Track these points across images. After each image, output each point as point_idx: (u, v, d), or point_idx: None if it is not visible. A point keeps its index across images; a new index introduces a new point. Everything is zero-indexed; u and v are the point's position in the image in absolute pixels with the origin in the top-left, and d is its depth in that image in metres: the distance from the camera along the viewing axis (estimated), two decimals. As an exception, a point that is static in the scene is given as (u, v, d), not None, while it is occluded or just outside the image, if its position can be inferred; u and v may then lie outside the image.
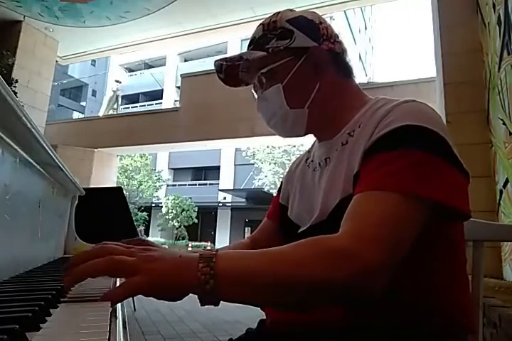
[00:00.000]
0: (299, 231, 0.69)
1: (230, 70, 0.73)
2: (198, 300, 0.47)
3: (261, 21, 0.73)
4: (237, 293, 0.47)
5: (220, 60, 0.73)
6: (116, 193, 1.67)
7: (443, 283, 0.59)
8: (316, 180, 0.71)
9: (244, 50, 0.72)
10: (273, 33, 0.69)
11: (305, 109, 0.69)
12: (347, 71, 0.72)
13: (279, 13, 0.71)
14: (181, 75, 8.39)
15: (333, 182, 0.64)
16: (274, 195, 0.89)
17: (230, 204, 20.02)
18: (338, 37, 0.72)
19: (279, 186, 0.89)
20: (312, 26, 0.69)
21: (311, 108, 0.69)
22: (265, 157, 16.46)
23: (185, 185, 22.15)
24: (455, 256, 0.62)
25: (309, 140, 0.83)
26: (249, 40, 0.73)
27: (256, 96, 0.75)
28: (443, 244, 0.60)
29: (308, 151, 0.83)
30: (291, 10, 0.73)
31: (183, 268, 0.46)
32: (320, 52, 0.68)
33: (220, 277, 0.45)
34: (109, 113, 9.98)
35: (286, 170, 0.89)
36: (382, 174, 0.54)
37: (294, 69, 0.68)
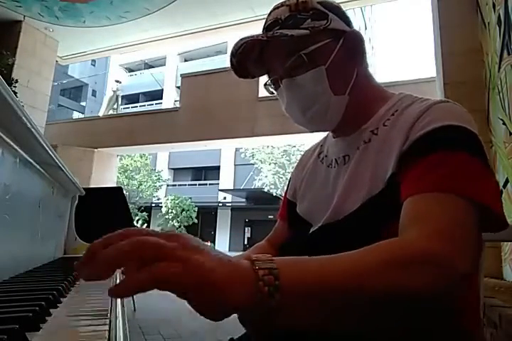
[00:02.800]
0: (311, 231, 0.65)
1: (245, 56, 0.65)
2: (246, 327, 0.35)
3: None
4: (307, 313, 0.36)
5: (253, 35, 0.63)
6: (116, 193, 1.67)
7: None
8: (332, 177, 0.67)
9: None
10: (304, 14, 0.63)
11: (346, 95, 0.64)
12: (367, 61, 0.69)
13: None
14: (181, 75, 8.39)
15: (355, 183, 0.60)
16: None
17: (230, 204, 20.01)
18: None
19: (287, 183, 0.84)
20: (342, 11, 0.66)
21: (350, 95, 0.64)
22: (265, 157, 16.46)
23: (185, 185, 22.14)
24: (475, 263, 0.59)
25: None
26: (269, 22, 0.66)
27: (273, 90, 0.69)
28: None
29: (321, 145, 0.78)
30: None
31: (238, 273, 0.33)
32: (355, 37, 0.65)
33: (289, 290, 0.34)
34: (109, 113, 9.97)
35: (295, 164, 0.85)
36: (437, 176, 0.50)
37: (335, 51, 0.63)
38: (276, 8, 0.67)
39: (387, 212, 0.52)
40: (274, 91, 0.70)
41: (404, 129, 0.56)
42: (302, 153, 0.86)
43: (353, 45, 0.65)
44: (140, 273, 0.30)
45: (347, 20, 0.66)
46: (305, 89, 0.64)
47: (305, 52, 0.62)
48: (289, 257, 0.39)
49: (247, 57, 0.66)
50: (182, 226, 18.01)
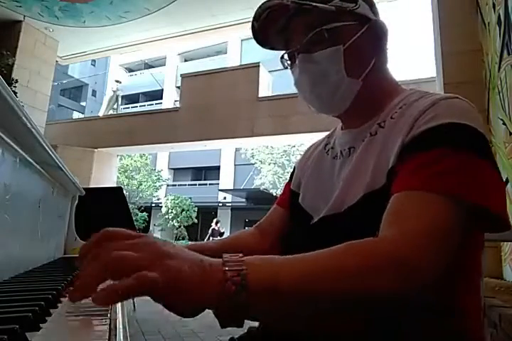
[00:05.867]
0: (313, 222, 0.65)
1: (268, 23, 0.65)
2: (218, 321, 0.38)
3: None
4: (274, 311, 0.39)
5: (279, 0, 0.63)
6: (116, 193, 1.67)
7: (459, 295, 0.55)
8: (336, 169, 0.67)
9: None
10: None
11: (360, 80, 0.63)
12: (388, 55, 0.68)
13: None
14: (181, 75, 8.39)
15: (358, 175, 0.60)
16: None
17: (230, 204, 20.01)
18: None
19: (291, 171, 0.84)
20: (371, 0, 0.66)
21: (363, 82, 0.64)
22: (265, 157, 16.46)
23: (185, 185, 22.13)
24: (475, 264, 0.58)
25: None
26: None
27: (288, 64, 0.68)
28: (468, 252, 0.55)
29: (328, 137, 0.78)
30: None
31: (207, 274, 0.36)
32: (381, 27, 0.64)
33: (255, 289, 0.37)
34: (109, 113, 9.97)
35: (300, 156, 0.85)
36: (428, 174, 0.49)
37: (358, 34, 0.63)
38: None
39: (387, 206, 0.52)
40: (288, 67, 0.70)
41: (409, 122, 0.56)
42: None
43: (376, 34, 0.64)
44: (123, 282, 0.33)
45: (374, 10, 0.66)
46: (320, 66, 0.63)
47: (327, 28, 0.61)
48: (260, 257, 0.41)
49: (270, 25, 0.66)
50: (182, 226, 18.00)
